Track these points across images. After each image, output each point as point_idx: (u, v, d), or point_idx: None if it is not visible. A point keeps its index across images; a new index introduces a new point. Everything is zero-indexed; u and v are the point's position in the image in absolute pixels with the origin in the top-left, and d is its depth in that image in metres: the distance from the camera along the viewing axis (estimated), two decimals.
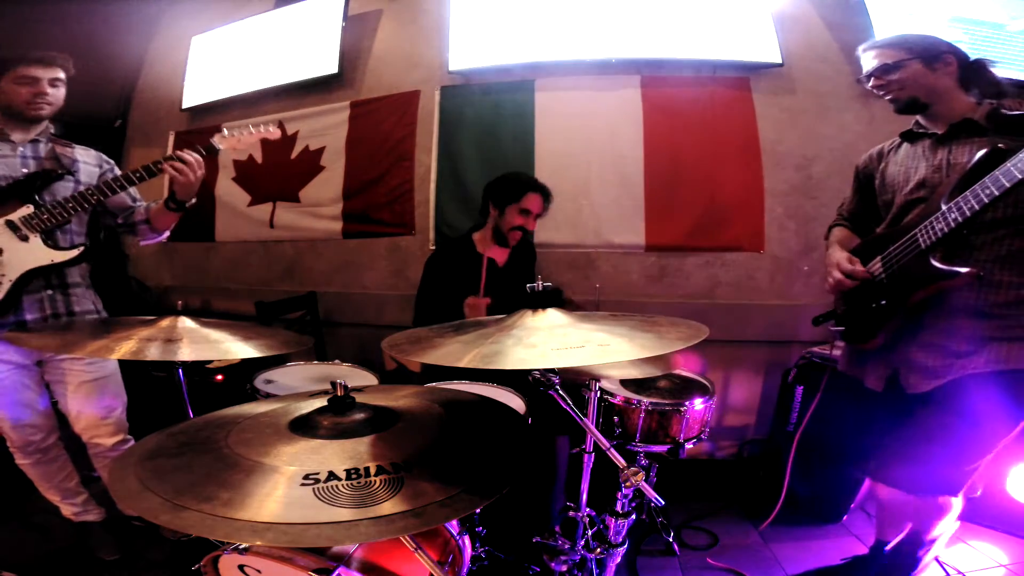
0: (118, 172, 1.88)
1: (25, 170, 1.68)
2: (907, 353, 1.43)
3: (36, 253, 1.65)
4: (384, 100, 3.04)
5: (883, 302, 1.44)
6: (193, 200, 1.81)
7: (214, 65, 3.37)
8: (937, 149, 1.41)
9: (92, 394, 1.80)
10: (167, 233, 1.94)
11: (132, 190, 1.85)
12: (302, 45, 3.12)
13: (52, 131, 1.79)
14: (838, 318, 1.63)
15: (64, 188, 1.72)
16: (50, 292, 1.72)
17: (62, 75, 1.73)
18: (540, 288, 1.14)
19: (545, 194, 2.25)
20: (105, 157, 1.89)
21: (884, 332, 1.46)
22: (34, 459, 1.83)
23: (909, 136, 1.53)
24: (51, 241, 1.69)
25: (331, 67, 3.02)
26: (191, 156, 1.72)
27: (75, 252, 1.72)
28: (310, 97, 3.16)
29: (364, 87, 3.09)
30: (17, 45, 1.72)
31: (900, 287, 1.40)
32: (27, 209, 1.64)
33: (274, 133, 1.96)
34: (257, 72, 3.22)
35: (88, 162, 1.82)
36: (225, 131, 1.90)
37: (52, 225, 1.66)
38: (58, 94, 1.73)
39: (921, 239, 1.32)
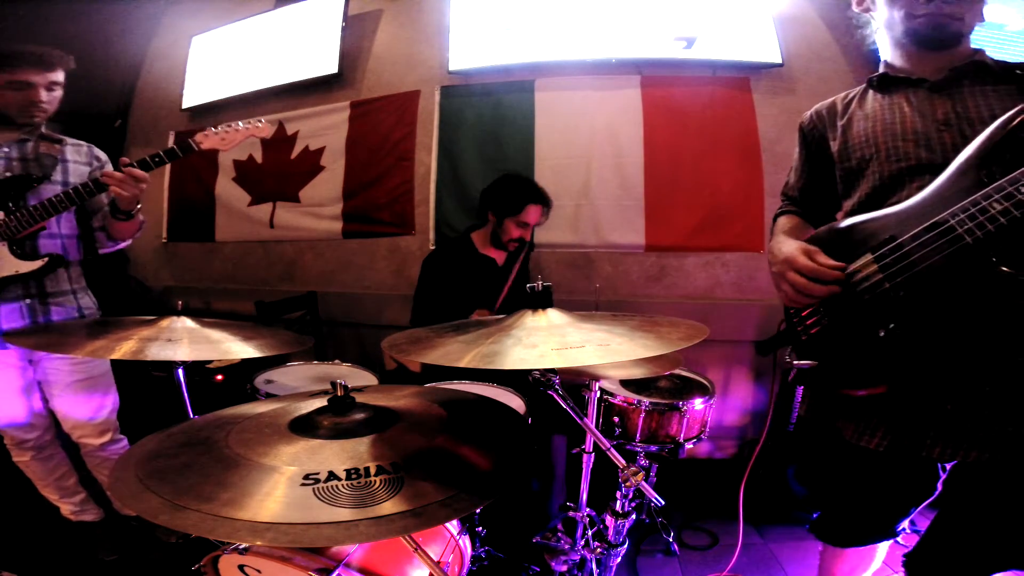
0: (109, 168, 1.80)
1: (8, 173, 1.62)
2: (938, 408, 0.98)
3: (2, 263, 1.59)
4: (384, 100, 3.04)
5: (891, 326, 0.95)
6: (138, 206, 1.70)
7: (214, 65, 3.37)
8: (934, 99, 1.07)
9: (80, 394, 1.79)
10: (126, 243, 1.84)
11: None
12: (302, 45, 3.12)
13: (42, 128, 1.71)
14: (799, 346, 1.12)
15: (50, 191, 1.64)
16: (28, 301, 1.66)
17: (61, 77, 1.65)
18: (540, 288, 1.14)
19: (545, 203, 2.22)
20: (98, 153, 1.83)
21: (892, 375, 0.97)
22: (29, 456, 1.84)
23: (883, 83, 1.15)
24: (20, 250, 1.62)
25: (331, 67, 3.02)
26: (122, 173, 1.58)
27: (40, 263, 1.64)
28: (310, 97, 3.16)
29: (364, 87, 3.09)
30: (15, 44, 1.63)
31: (924, 304, 0.92)
32: None
33: (263, 129, 1.83)
34: (257, 72, 3.23)
35: (78, 161, 1.76)
36: (211, 129, 1.78)
37: (22, 232, 1.59)
38: (54, 99, 1.65)
39: (962, 229, 0.87)
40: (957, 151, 0.95)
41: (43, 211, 1.59)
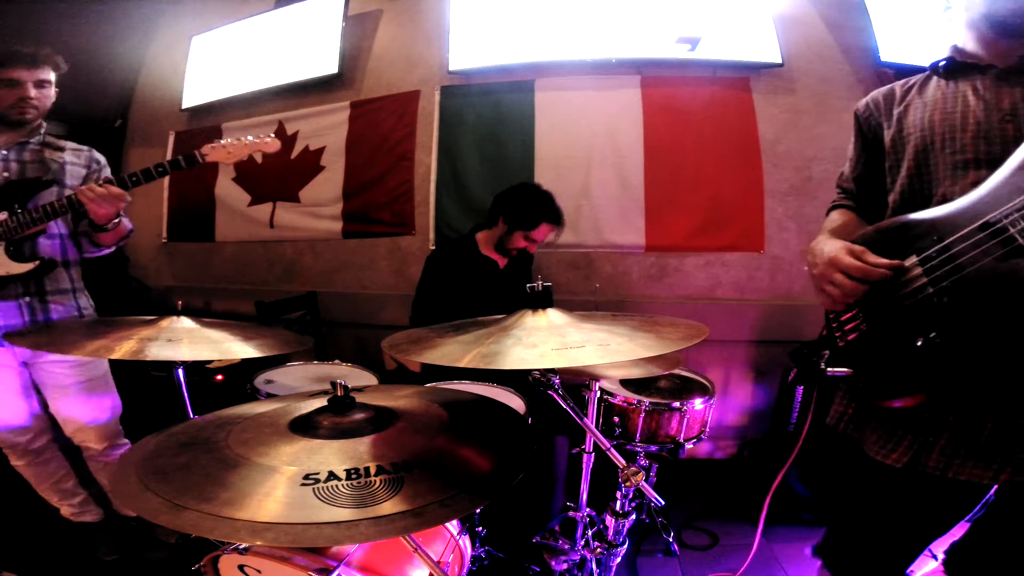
0: (107, 173, 1.82)
1: (7, 174, 1.62)
2: (973, 426, 0.89)
3: None
4: (384, 100, 3.04)
5: (932, 335, 0.86)
6: (115, 221, 1.68)
7: (214, 65, 3.36)
8: (1002, 88, 0.95)
9: (79, 397, 1.78)
10: (110, 249, 1.83)
11: None
12: (302, 45, 3.12)
13: (43, 131, 1.72)
14: (835, 352, 1.05)
15: (50, 195, 1.64)
16: (28, 299, 1.67)
17: (51, 75, 1.66)
18: (540, 288, 1.14)
19: (559, 223, 2.17)
20: (97, 156, 1.83)
21: (929, 386, 0.88)
22: (26, 460, 1.83)
23: (950, 69, 1.04)
24: (16, 250, 1.62)
25: (331, 67, 3.02)
26: (99, 190, 1.56)
27: (31, 266, 1.64)
28: (310, 97, 3.16)
29: (364, 87, 3.09)
30: (14, 44, 1.64)
31: (969, 312, 0.83)
32: (1, 216, 1.58)
33: (271, 144, 1.76)
34: (257, 72, 3.22)
35: (76, 163, 1.76)
36: (219, 140, 1.73)
37: (21, 233, 1.59)
38: (45, 95, 1.66)
39: (1015, 230, 0.79)
40: (1018, 144, 0.86)
41: (42, 215, 1.60)
